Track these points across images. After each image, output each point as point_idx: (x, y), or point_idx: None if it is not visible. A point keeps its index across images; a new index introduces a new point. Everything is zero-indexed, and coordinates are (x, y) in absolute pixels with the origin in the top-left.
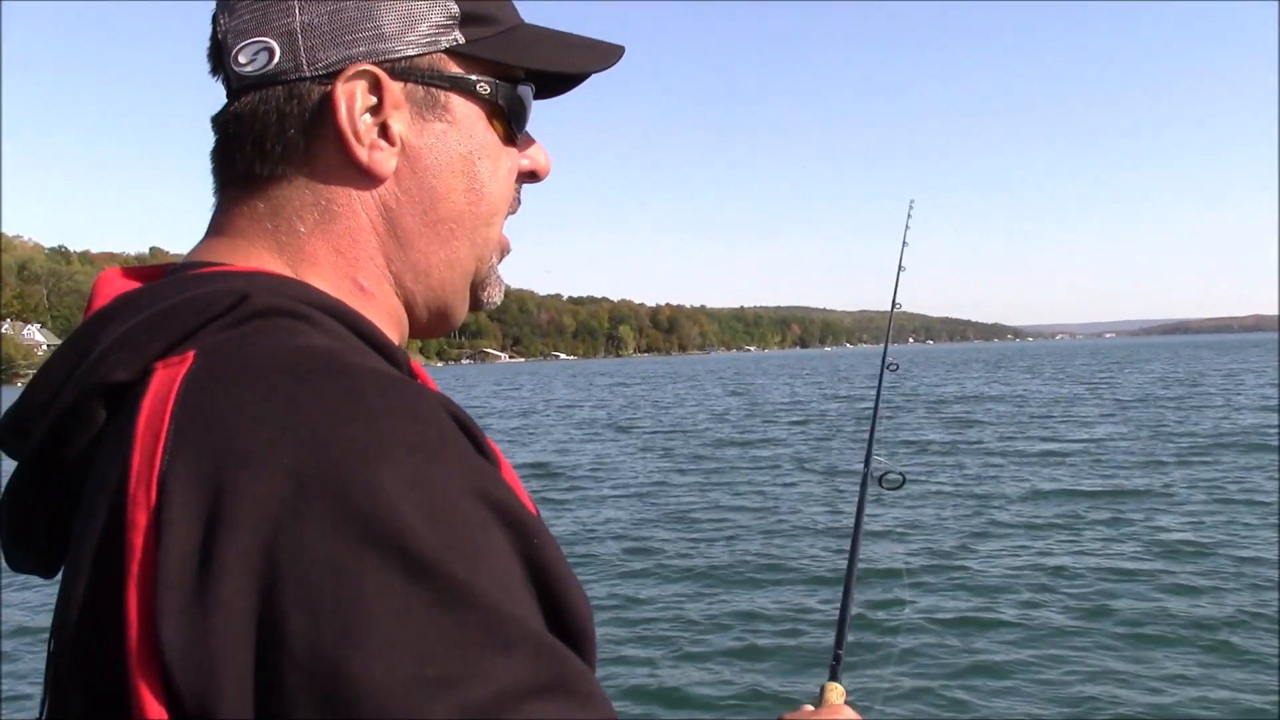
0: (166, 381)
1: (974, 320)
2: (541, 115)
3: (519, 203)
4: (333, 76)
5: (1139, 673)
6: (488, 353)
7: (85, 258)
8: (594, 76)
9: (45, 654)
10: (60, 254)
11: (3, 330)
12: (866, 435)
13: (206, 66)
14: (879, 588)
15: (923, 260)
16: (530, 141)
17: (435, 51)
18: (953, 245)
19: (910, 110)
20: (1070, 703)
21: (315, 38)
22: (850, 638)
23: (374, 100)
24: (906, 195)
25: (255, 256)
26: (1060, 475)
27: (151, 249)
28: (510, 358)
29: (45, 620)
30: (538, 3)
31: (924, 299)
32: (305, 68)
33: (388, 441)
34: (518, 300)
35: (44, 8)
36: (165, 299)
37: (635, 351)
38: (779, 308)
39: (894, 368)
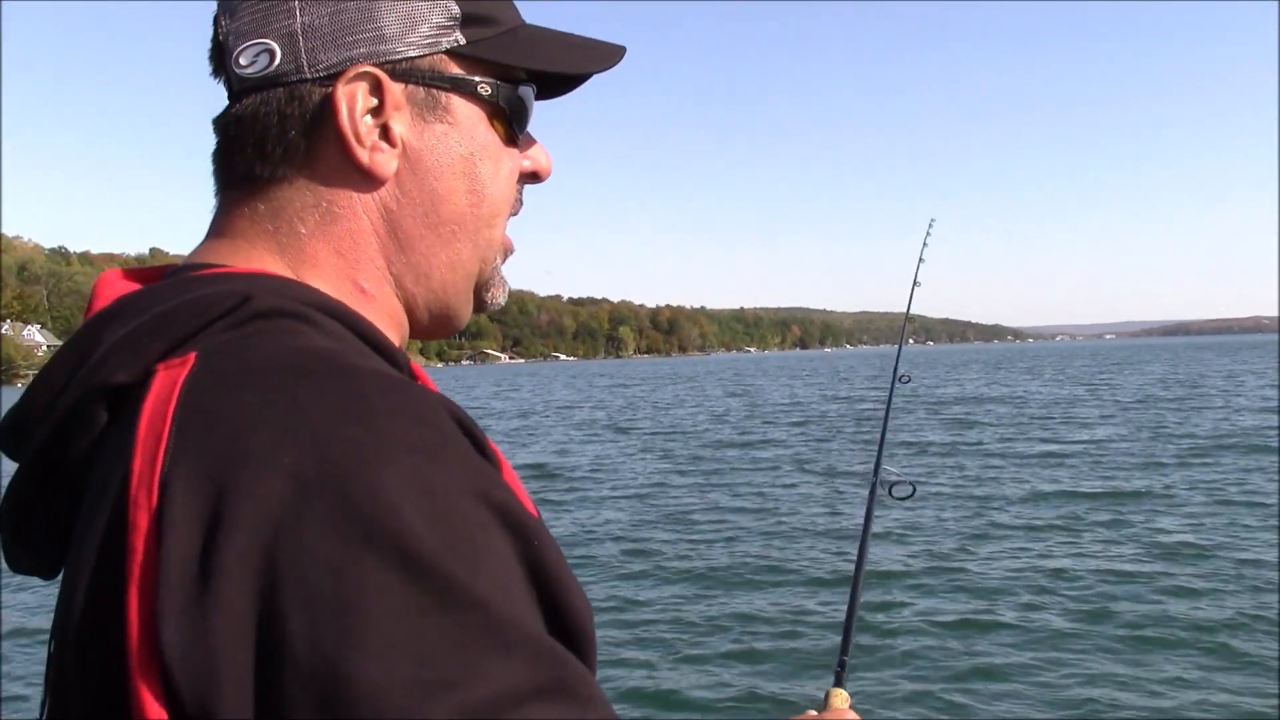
0: (168, 383)
1: (974, 321)
2: (542, 115)
3: (521, 204)
4: (334, 78)
5: (1139, 675)
6: (488, 354)
7: (85, 258)
8: (595, 77)
9: (45, 655)
10: (60, 255)
11: (3, 331)
12: (867, 437)
13: (208, 67)
14: (879, 590)
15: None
16: (532, 142)
17: (436, 53)
18: (953, 246)
19: (911, 111)
20: (1071, 705)
21: (316, 39)
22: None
23: (375, 102)
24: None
25: (256, 258)
26: (1060, 477)
27: (152, 250)
28: (510, 359)
29: (43, 621)
30: (538, 3)
31: (924, 300)
32: (306, 69)
33: (389, 443)
34: (518, 301)
35: (44, 8)
36: (166, 300)
37: (635, 353)
38: (779, 309)
39: (906, 379)
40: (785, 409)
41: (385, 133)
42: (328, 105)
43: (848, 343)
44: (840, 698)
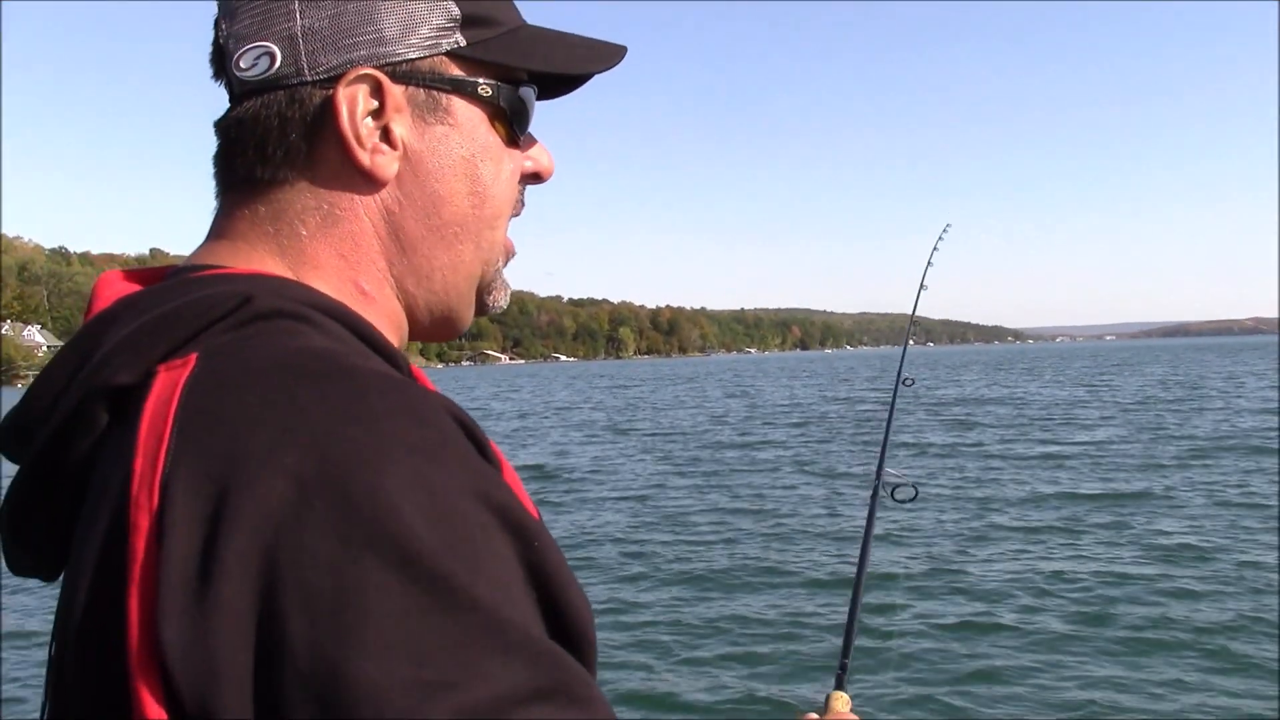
0: (169, 384)
1: (974, 322)
2: (543, 115)
3: (523, 204)
4: (334, 81)
5: (1139, 677)
6: (488, 354)
7: (85, 259)
8: (596, 77)
9: (43, 657)
10: (60, 255)
11: (3, 331)
12: (867, 438)
13: (209, 69)
14: (879, 592)
15: (922, 262)
16: (533, 142)
17: (436, 54)
18: (953, 247)
19: (912, 111)
20: (1071, 707)
21: (316, 42)
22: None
23: (375, 104)
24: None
25: (257, 260)
26: (1060, 478)
27: (152, 250)
28: (510, 359)
29: (40, 624)
30: (538, 3)
31: (925, 301)
32: (306, 72)
33: (390, 443)
34: (518, 302)
35: (44, 8)
36: (167, 302)
37: (635, 353)
38: (779, 309)
39: (909, 382)
40: (785, 410)
41: (386, 135)
42: (328, 108)
43: (848, 344)
44: (841, 700)
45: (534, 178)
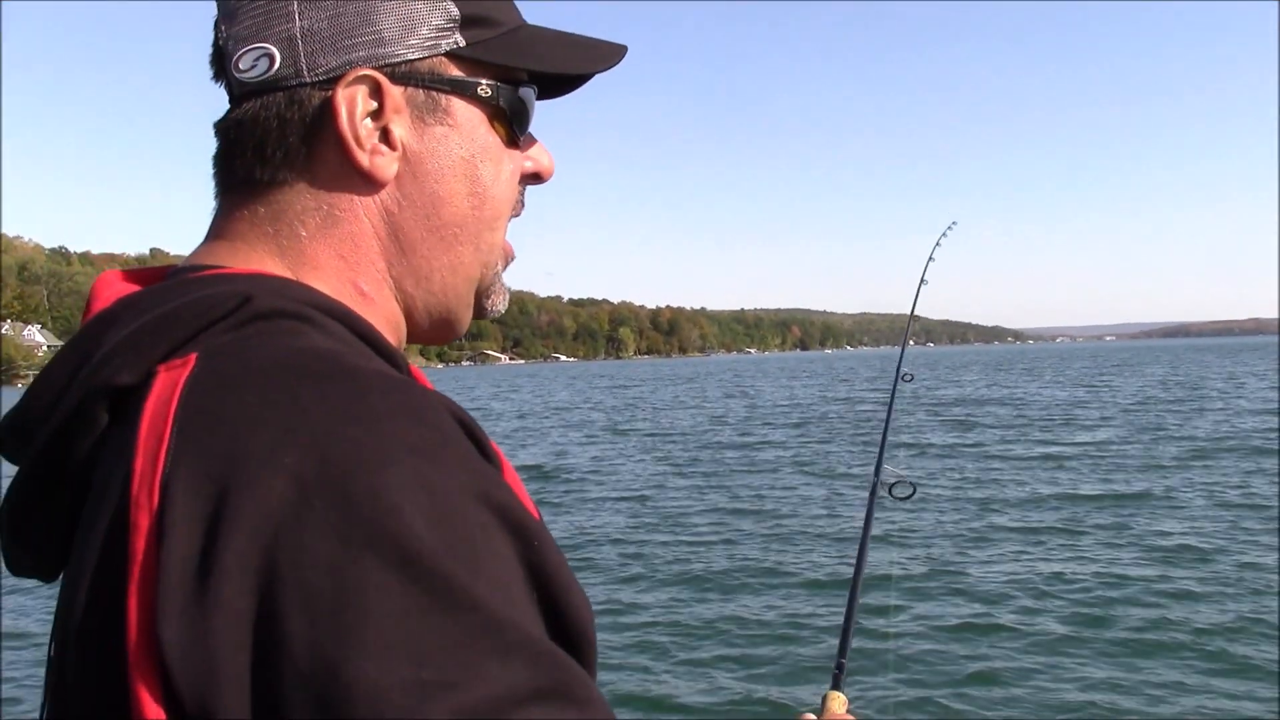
0: (169, 384)
1: (974, 323)
2: (543, 115)
3: (523, 205)
4: (333, 82)
5: (1139, 679)
6: (488, 355)
7: (86, 259)
8: (597, 76)
9: (41, 658)
10: (61, 255)
11: (3, 331)
12: (866, 438)
13: (209, 70)
14: (878, 593)
15: (924, 259)
16: (533, 142)
17: (436, 55)
18: (954, 247)
19: (912, 111)
20: (1070, 709)
21: (315, 43)
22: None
23: (374, 105)
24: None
25: (256, 260)
26: (1060, 479)
27: (152, 250)
28: (510, 360)
29: (37, 625)
30: (538, 3)
31: (925, 301)
32: (305, 73)
33: (390, 443)
34: (518, 302)
35: (44, 8)
36: (167, 302)
37: (635, 354)
38: (779, 310)
39: (909, 378)
40: (785, 410)
41: (385, 136)
42: (327, 109)
43: (848, 344)
44: (838, 701)
45: (534, 178)
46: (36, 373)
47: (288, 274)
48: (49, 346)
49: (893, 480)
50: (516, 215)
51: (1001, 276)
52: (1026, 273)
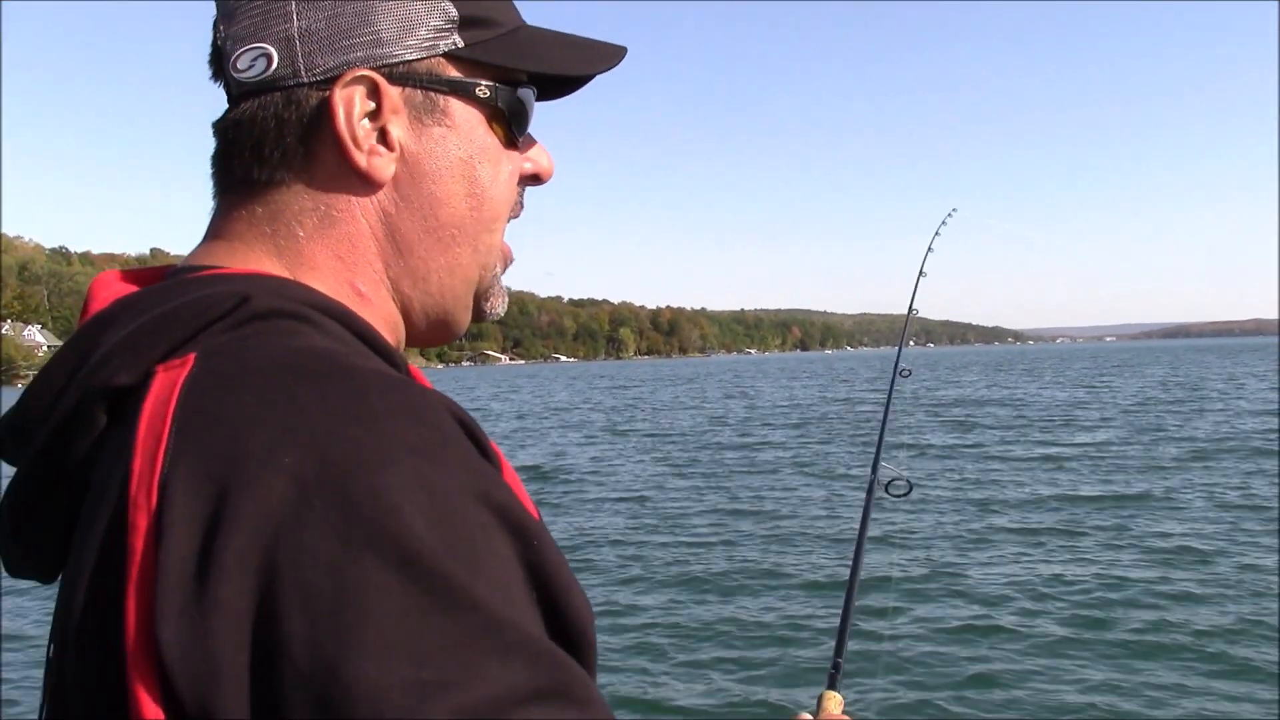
0: (168, 384)
1: (975, 323)
2: (542, 116)
3: (521, 206)
4: (331, 82)
5: (1139, 681)
6: (488, 355)
7: (86, 259)
8: (597, 77)
9: (41, 659)
10: (61, 255)
11: (3, 331)
12: (865, 439)
13: (208, 70)
14: (876, 594)
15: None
16: (532, 143)
17: (434, 56)
18: (953, 248)
19: (912, 112)
20: (1069, 711)
21: (313, 43)
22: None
23: (372, 106)
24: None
25: (254, 260)
26: (1060, 480)
27: (152, 250)
28: (510, 360)
29: (35, 625)
30: (538, 3)
31: (925, 301)
32: (303, 73)
33: (390, 443)
34: (518, 302)
35: (44, 8)
36: (166, 302)
37: (635, 354)
38: (779, 310)
39: (906, 374)
40: (784, 411)
41: (383, 136)
42: (325, 109)
43: (848, 344)
44: (834, 701)
45: (533, 179)
46: (36, 373)
47: (285, 274)
48: (49, 346)
49: (889, 478)
50: (515, 217)
51: (1001, 277)
52: (1026, 273)
